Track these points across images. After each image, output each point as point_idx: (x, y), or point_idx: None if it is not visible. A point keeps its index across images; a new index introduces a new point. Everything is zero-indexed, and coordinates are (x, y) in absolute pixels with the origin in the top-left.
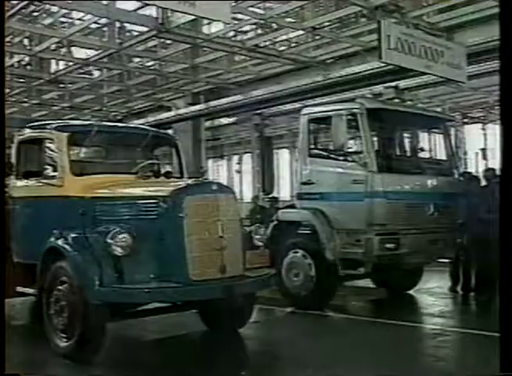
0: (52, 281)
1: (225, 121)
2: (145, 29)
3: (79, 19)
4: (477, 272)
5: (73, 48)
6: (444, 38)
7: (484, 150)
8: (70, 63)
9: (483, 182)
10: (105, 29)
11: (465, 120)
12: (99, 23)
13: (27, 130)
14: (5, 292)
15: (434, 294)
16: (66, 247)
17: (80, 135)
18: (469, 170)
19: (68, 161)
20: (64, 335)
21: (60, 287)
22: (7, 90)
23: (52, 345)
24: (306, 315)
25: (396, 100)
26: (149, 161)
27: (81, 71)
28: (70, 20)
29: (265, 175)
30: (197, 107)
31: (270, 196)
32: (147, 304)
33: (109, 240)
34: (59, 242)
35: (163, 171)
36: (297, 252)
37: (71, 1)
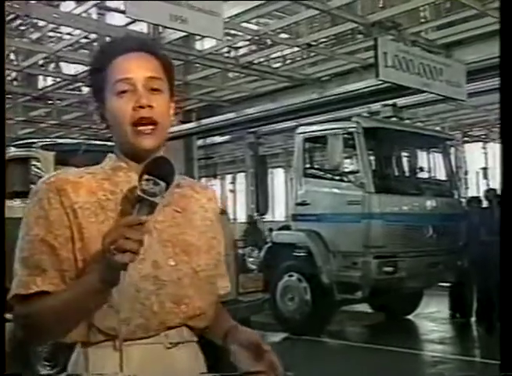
0: None
1: (218, 139)
2: None
3: (68, 33)
4: (479, 297)
5: (61, 64)
6: (443, 55)
7: (485, 169)
8: (59, 79)
9: (484, 203)
10: (95, 44)
11: (465, 138)
12: (88, 38)
13: (12, 148)
14: (5, 292)
15: (434, 319)
16: None
17: (67, 154)
18: (475, 195)
19: None
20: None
21: None
22: None
23: None
24: (301, 341)
25: (394, 119)
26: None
27: (70, 87)
28: (58, 35)
29: (260, 195)
30: (189, 125)
31: (263, 217)
32: None
33: None
34: None
35: None
36: (291, 275)
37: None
